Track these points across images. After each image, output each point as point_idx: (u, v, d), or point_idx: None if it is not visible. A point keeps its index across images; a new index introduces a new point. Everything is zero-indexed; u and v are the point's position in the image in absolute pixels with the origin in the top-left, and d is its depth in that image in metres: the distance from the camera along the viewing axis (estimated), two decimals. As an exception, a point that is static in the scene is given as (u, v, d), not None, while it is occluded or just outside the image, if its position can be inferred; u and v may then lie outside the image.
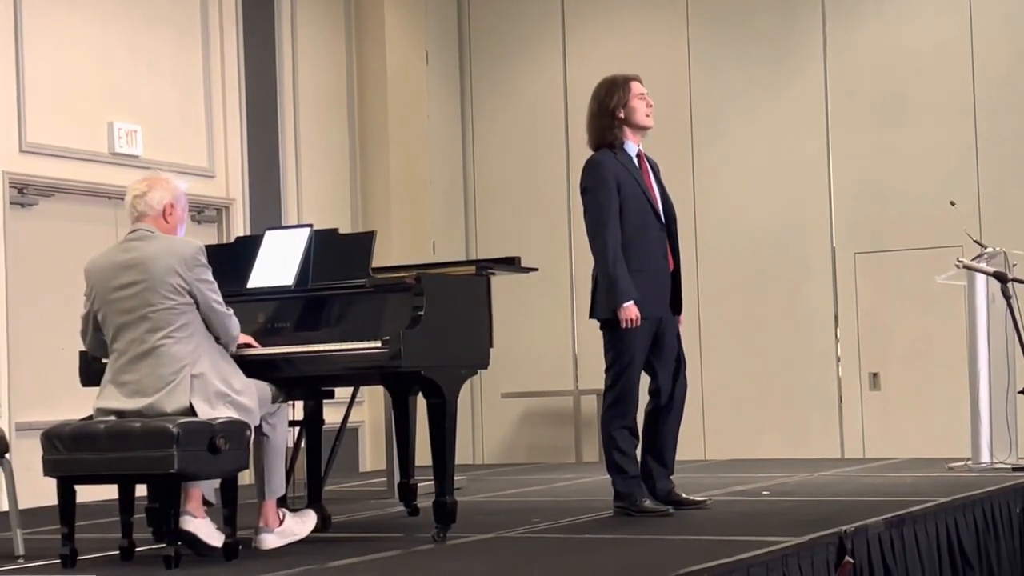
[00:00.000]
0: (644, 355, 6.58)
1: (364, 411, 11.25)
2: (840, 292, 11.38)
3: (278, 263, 5.98)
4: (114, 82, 9.83)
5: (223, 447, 5.19)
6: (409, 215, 11.84)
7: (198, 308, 5.40)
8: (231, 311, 5.53)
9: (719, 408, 11.54)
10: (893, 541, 5.78)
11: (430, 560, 5.41)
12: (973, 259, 8.46)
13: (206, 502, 5.63)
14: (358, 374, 6.13)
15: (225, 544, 5.35)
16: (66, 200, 9.56)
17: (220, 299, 5.48)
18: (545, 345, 12.27)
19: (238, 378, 5.46)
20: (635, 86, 6.69)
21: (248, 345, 5.68)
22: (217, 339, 5.49)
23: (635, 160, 6.68)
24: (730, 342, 11.64)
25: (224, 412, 5.32)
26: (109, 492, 5.61)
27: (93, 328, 5.54)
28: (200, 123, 10.45)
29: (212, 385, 5.32)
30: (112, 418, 5.31)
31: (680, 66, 11.92)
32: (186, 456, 5.09)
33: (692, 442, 10.70)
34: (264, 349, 5.72)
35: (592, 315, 6.65)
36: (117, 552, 5.46)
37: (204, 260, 5.43)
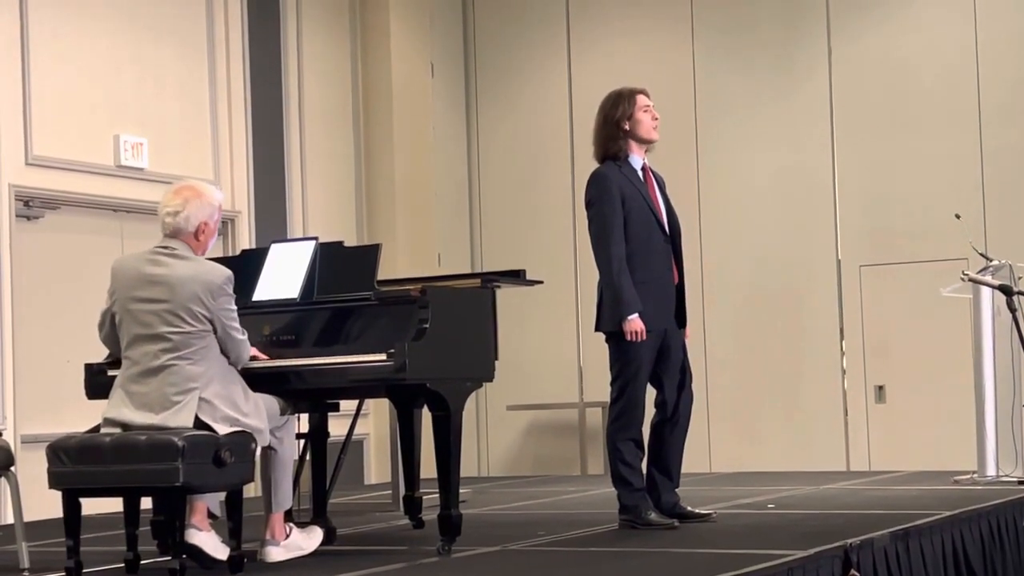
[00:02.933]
0: (650, 367, 6.58)
1: (369, 424, 11.25)
2: (845, 305, 11.38)
3: (283, 276, 5.99)
4: (120, 95, 9.85)
5: (228, 460, 5.19)
6: (414, 227, 11.85)
7: (215, 334, 5.40)
8: (245, 336, 5.52)
9: (724, 420, 11.54)
10: (899, 554, 5.77)
11: (435, 573, 5.41)
12: (978, 272, 8.46)
13: (211, 515, 5.63)
14: (363, 387, 6.13)
15: (230, 557, 5.35)
16: (72, 213, 9.57)
17: (238, 325, 5.47)
18: (550, 357, 12.27)
19: (247, 400, 5.45)
20: (641, 99, 6.70)
21: (254, 357, 5.68)
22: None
23: (640, 173, 6.68)
24: (735, 354, 11.64)
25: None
26: (114, 505, 5.62)
27: (110, 325, 5.54)
28: (206, 135, 10.47)
29: (220, 411, 5.31)
30: (118, 430, 5.31)
31: (685, 77, 11.94)
32: (191, 469, 5.09)
33: (697, 455, 10.70)
34: (271, 362, 5.72)
35: (598, 328, 6.65)
36: (122, 565, 5.45)
37: (230, 290, 5.42)
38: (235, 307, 5.46)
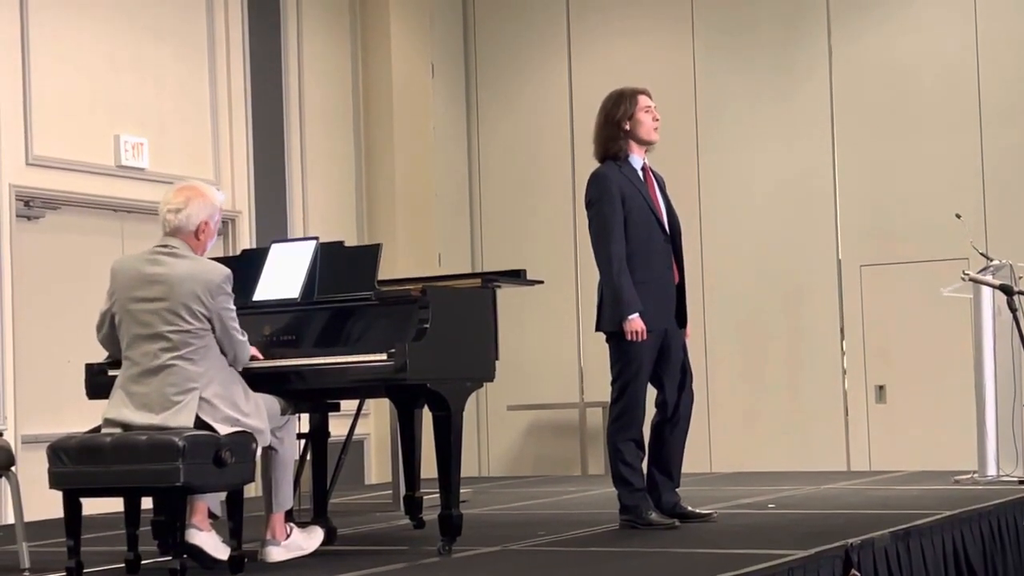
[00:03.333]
0: (650, 367, 6.57)
1: (370, 423, 11.25)
2: (846, 305, 11.38)
3: (284, 276, 5.99)
4: (120, 95, 9.85)
5: (229, 460, 5.19)
6: (415, 227, 11.85)
7: (214, 333, 5.40)
8: (245, 337, 5.52)
9: (725, 420, 11.54)
10: (899, 554, 5.77)
11: (436, 573, 5.41)
12: (979, 272, 8.46)
13: (212, 515, 5.63)
14: (364, 387, 6.13)
15: (231, 557, 5.35)
16: (72, 213, 9.58)
17: (237, 325, 5.47)
18: (551, 357, 12.27)
19: (248, 400, 5.44)
20: (642, 99, 6.70)
21: (253, 357, 5.68)
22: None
23: (640, 173, 6.68)
24: (736, 354, 11.64)
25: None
26: (115, 505, 5.62)
27: (109, 326, 5.53)
28: (206, 135, 10.47)
29: (220, 411, 5.31)
30: (118, 430, 5.31)
31: (686, 77, 11.94)
32: (192, 469, 5.08)
33: (698, 455, 10.69)
34: (271, 361, 5.71)
35: (598, 328, 6.65)
36: (123, 565, 5.46)
37: (229, 288, 5.42)
38: (234, 307, 5.46)
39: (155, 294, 5.36)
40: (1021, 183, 10.82)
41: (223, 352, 5.44)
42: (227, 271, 5.44)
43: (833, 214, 11.45)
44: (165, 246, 5.46)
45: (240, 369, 5.53)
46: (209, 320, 5.36)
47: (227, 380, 5.42)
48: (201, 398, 5.29)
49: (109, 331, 5.53)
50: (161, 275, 5.37)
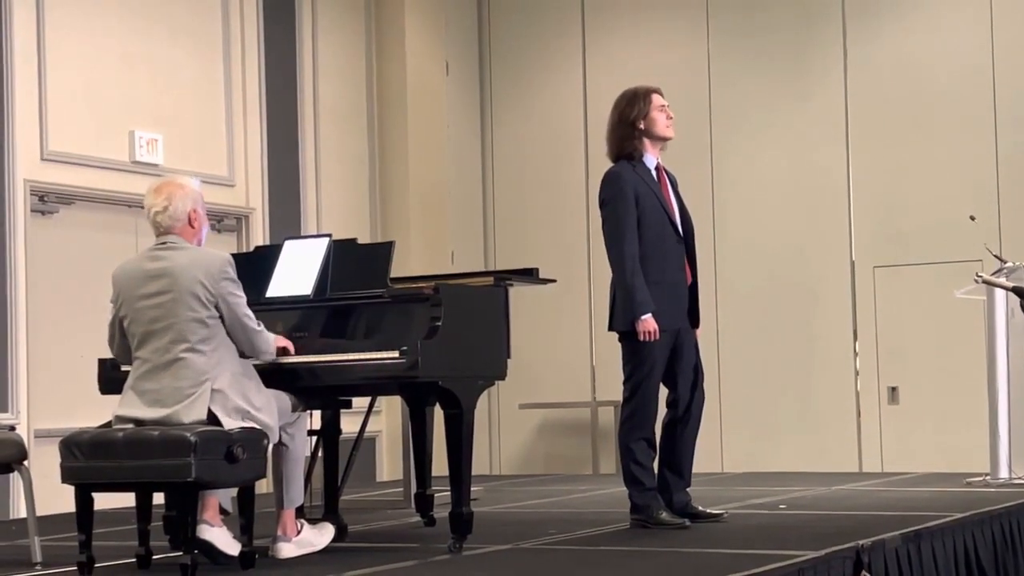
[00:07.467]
0: (663, 367, 6.58)
1: (381, 421, 11.26)
2: (859, 306, 11.36)
3: (297, 273, 6.00)
4: (135, 91, 9.87)
5: (240, 456, 5.20)
6: (428, 225, 11.86)
7: (223, 322, 5.40)
8: (262, 328, 5.51)
9: (736, 421, 11.53)
10: (911, 556, 5.77)
11: (446, 571, 5.41)
12: (992, 274, 8.44)
13: (223, 511, 5.64)
14: (376, 384, 6.14)
15: (242, 553, 5.36)
16: (87, 208, 9.60)
17: (250, 314, 5.46)
18: (563, 356, 12.27)
19: (259, 395, 5.45)
20: (656, 98, 6.71)
21: (286, 350, 5.67)
22: (242, 354, 5.49)
23: (653, 173, 6.68)
24: (748, 355, 11.63)
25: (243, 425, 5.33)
26: (127, 500, 5.63)
27: (120, 335, 5.54)
28: (220, 132, 10.48)
29: (231, 401, 5.32)
30: (130, 426, 5.32)
31: (700, 78, 11.93)
32: (204, 464, 5.09)
33: (709, 454, 10.70)
34: (282, 358, 5.71)
35: (611, 327, 6.65)
36: (134, 560, 5.47)
37: (232, 274, 5.42)
38: (243, 295, 5.46)
39: (160, 288, 5.37)
40: (1035, 185, 10.80)
41: (236, 344, 5.44)
42: (227, 257, 5.46)
43: (847, 215, 11.44)
44: (163, 243, 5.49)
45: (266, 359, 5.54)
46: (216, 307, 5.36)
47: (239, 373, 5.43)
48: (213, 389, 5.30)
49: (120, 340, 5.54)
50: (164, 269, 5.40)
